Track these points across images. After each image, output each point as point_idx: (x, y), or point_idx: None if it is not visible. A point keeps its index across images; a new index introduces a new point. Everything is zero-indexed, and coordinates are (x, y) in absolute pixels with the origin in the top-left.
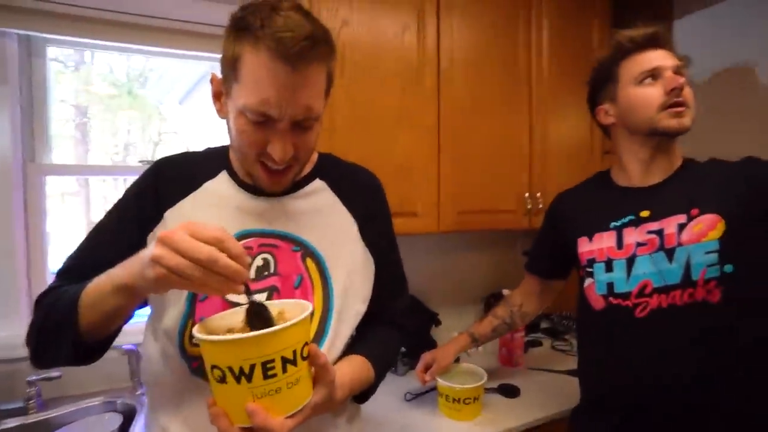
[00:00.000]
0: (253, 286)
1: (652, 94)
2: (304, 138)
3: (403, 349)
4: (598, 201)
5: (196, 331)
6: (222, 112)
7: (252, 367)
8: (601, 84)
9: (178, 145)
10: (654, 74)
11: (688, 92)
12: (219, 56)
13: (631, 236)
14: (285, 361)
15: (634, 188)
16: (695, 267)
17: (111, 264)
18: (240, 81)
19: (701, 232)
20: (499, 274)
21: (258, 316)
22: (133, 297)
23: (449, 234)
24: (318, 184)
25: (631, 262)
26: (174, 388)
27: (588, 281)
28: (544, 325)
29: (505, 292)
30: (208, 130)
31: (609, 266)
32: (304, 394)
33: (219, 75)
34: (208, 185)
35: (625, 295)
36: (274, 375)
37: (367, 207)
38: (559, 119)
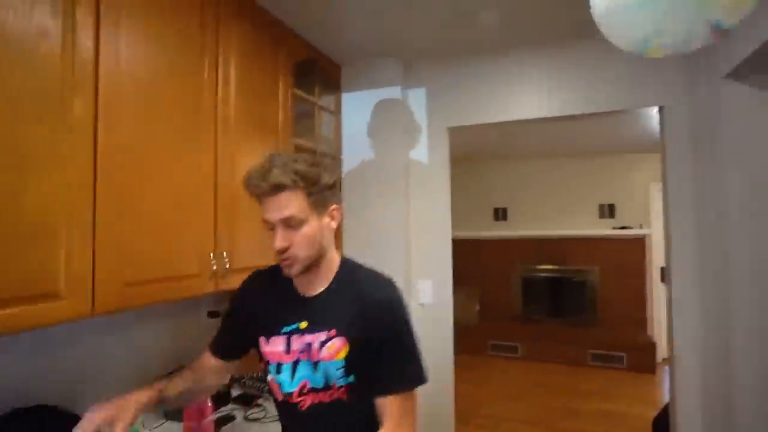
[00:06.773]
0: None
1: (273, 243)
2: None
3: None
4: (278, 302)
5: None
6: None
7: None
8: None
9: None
10: (270, 226)
11: (297, 242)
12: None
13: (296, 343)
14: None
15: (302, 297)
16: (331, 377)
17: None
18: None
19: (334, 353)
20: (183, 342)
21: None
22: None
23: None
24: None
25: (296, 365)
26: None
27: (270, 375)
28: (235, 393)
29: None
30: None
31: (279, 369)
32: None
33: None
34: None
35: (290, 395)
36: None
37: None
38: (245, 170)
